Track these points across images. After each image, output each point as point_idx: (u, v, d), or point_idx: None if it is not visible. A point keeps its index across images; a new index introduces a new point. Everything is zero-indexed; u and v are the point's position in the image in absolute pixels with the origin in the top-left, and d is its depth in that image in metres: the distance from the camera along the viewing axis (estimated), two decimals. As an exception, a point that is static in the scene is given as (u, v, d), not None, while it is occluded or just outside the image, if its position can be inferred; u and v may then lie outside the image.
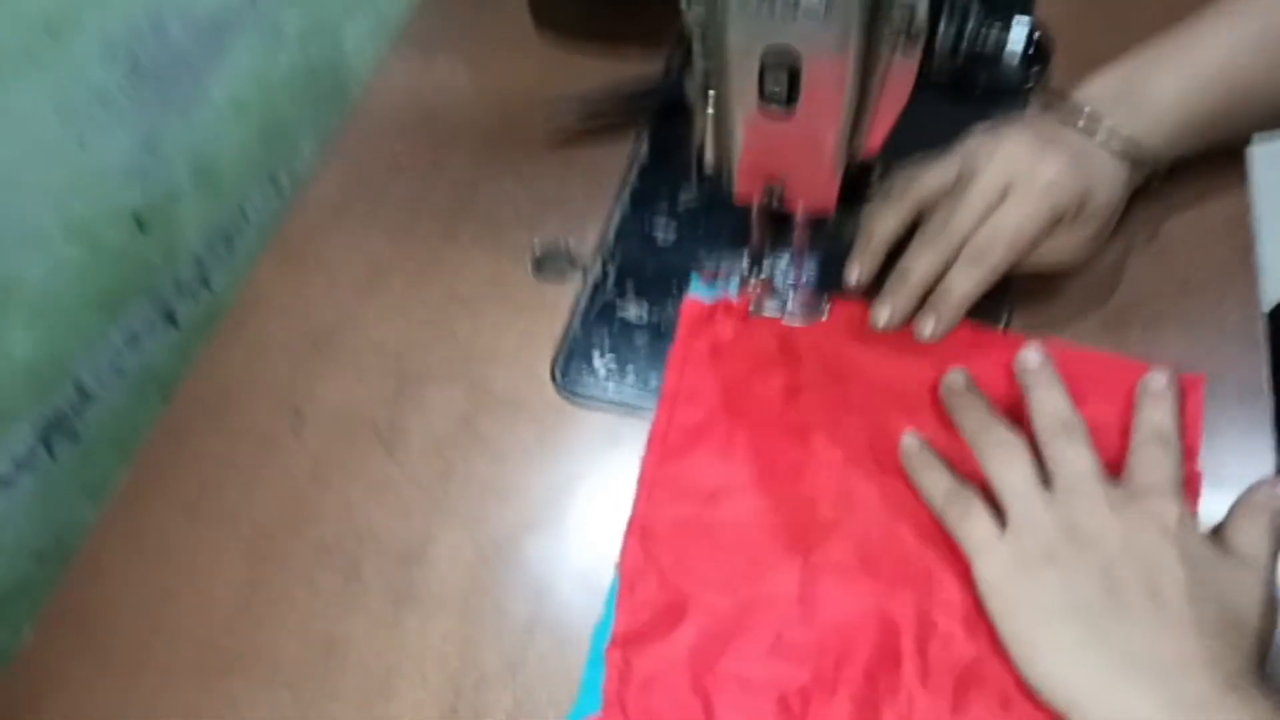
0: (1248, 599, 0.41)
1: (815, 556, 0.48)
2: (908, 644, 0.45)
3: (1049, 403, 0.48)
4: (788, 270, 0.57)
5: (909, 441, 0.50)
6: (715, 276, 0.58)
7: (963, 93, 0.59)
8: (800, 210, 0.51)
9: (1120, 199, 0.52)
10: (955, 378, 0.51)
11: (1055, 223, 0.49)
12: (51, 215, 0.57)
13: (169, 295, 0.67)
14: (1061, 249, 0.51)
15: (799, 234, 0.53)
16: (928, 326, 0.51)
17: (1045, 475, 0.45)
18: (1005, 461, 0.46)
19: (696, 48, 0.41)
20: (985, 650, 0.44)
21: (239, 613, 0.50)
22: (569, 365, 0.57)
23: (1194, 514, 0.44)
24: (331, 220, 0.65)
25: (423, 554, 0.51)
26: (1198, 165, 0.55)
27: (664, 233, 0.62)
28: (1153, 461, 0.45)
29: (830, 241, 0.58)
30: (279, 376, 0.58)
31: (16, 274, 0.55)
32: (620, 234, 0.62)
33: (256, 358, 0.59)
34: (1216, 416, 0.51)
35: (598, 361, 0.56)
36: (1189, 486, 0.47)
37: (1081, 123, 0.50)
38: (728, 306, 0.56)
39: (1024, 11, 0.41)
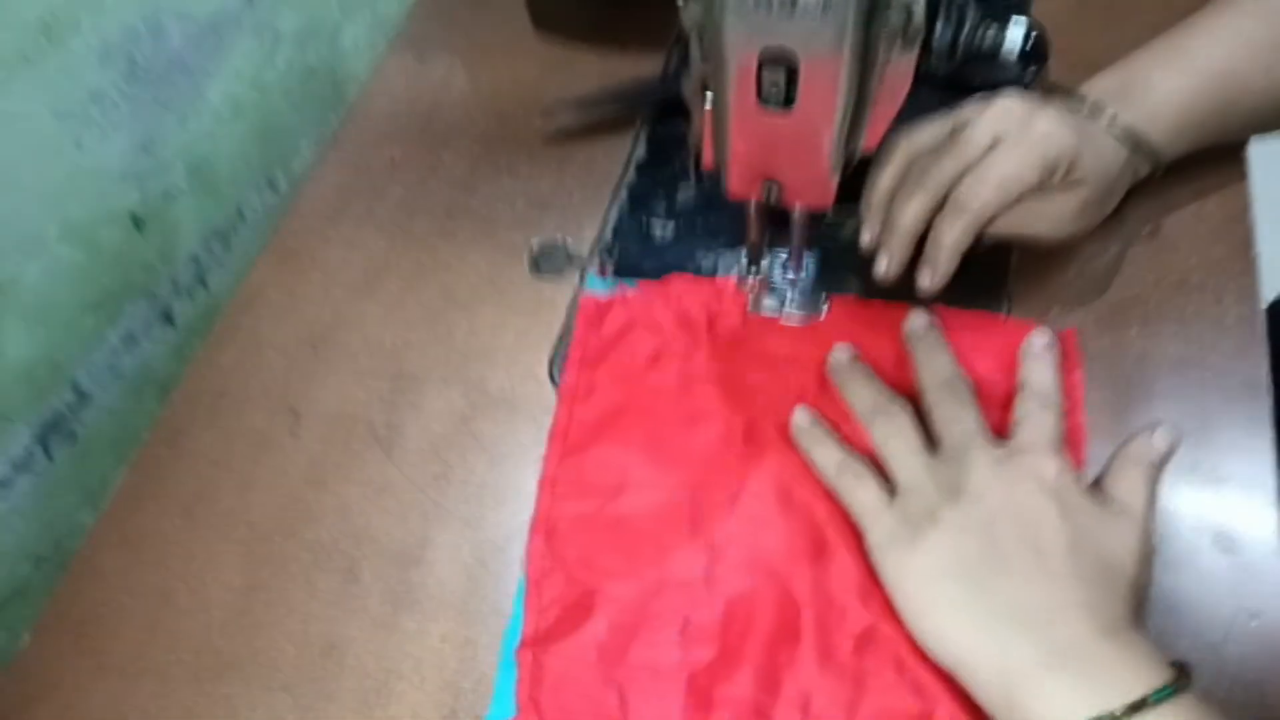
0: (1124, 548, 0.42)
1: (717, 537, 0.48)
2: (807, 616, 0.46)
3: (934, 365, 0.49)
4: (785, 268, 0.57)
5: (799, 418, 0.51)
6: (606, 272, 0.59)
7: (960, 92, 0.59)
8: (798, 209, 0.51)
9: (1116, 176, 0.51)
10: (839, 355, 0.52)
11: (1045, 177, 0.48)
12: (48, 216, 0.57)
13: (166, 296, 0.67)
14: (1053, 215, 0.50)
15: (797, 232, 0.53)
16: (924, 279, 0.50)
17: (933, 439, 0.47)
18: (891, 430, 0.47)
19: (694, 48, 0.41)
20: (879, 616, 0.45)
21: (236, 615, 0.50)
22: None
23: (1080, 466, 0.47)
24: (328, 221, 0.65)
25: (420, 555, 0.51)
26: (1196, 163, 0.55)
27: (661, 231, 0.62)
28: (1033, 420, 0.46)
29: (828, 240, 0.58)
30: (276, 377, 0.58)
31: (13, 275, 0.55)
32: (618, 233, 0.62)
33: (253, 358, 0.59)
34: (1216, 413, 0.51)
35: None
36: (1072, 439, 0.49)
37: (1084, 111, 0.50)
38: (623, 301, 0.57)
39: (1021, 11, 0.40)
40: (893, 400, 0.49)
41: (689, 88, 0.44)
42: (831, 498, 0.48)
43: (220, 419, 0.57)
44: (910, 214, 0.49)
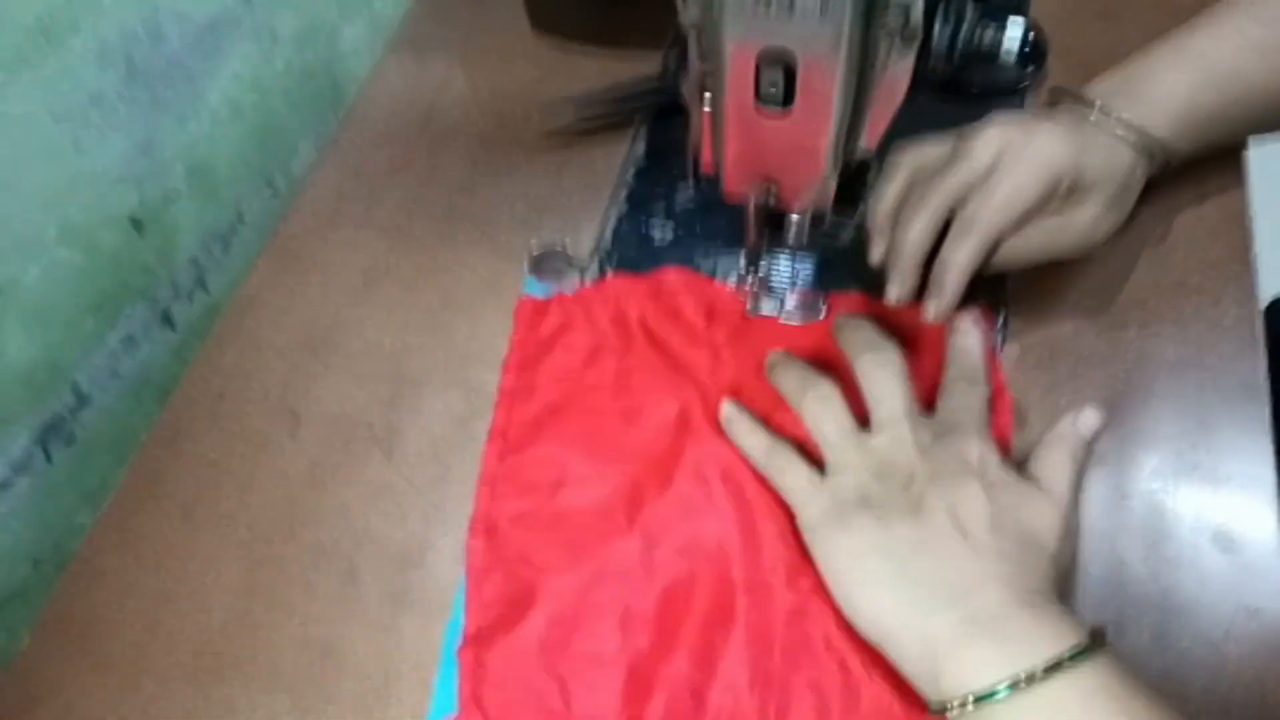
0: (1045, 526, 0.44)
1: (653, 526, 0.50)
2: (740, 598, 0.47)
3: (860, 339, 0.50)
4: (784, 269, 0.57)
5: (726, 409, 0.52)
6: (542, 273, 0.60)
7: (959, 93, 0.59)
8: (796, 210, 0.51)
9: (1126, 177, 0.51)
10: (774, 356, 0.54)
11: (1049, 191, 0.48)
12: (47, 218, 0.57)
13: (165, 298, 0.67)
14: (1073, 228, 0.51)
15: (795, 234, 0.53)
16: (931, 309, 0.50)
17: (865, 420, 0.48)
18: (820, 411, 0.48)
19: (692, 48, 0.41)
20: (808, 595, 0.46)
21: (236, 616, 0.50)
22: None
23: (1008, 440, 0.49)
24: (328, 222, 0.65)
25: (420, 557, 0.51)
26: (1194, 165, 0.55)
27: (661, 233, 0.62)
28: (959, 398, 0.48)
29: (827, 241, 0.58)
30: (275, 379, 0.58)
31: (12, 277, 0.55)
32: (617, 234, 0.62)
33: (253, 360, 0.59)
34: (1215, 414, 0.51)
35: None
36: (999, 410, 0.51)
37: (1093, 117, 0.50)
38: (560, 302, 0.58)
39: (1019, 12, 0.41)
40: (821, 380, 0.50)
41: (687, 88, 0.44)
42: (762, 481, 0.50)
43: (220, 421, 0.57)
44: (915, 234, 0.50)
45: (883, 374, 0.48)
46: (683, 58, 0.41)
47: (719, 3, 0.37)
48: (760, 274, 0.57)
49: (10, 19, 0.52)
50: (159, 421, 0.57)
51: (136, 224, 0.63)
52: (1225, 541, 0.47)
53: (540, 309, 0.58)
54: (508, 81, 0.72)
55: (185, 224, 0.68)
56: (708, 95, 0.43)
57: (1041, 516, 0.44)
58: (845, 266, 0.58)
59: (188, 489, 0.54)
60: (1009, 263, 0.50)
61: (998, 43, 0.40)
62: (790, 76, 0.39)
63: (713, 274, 0.59)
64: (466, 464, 0.54)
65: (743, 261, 0.57)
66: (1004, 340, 0.55)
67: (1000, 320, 0.55)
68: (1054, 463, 0.47)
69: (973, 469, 0.44)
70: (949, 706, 0.39)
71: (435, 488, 0.53)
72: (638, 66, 0.70)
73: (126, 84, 0.60)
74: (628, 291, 0.58)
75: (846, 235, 0.59)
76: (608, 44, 0.73)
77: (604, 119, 0.67)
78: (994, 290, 0.56)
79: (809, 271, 0.58)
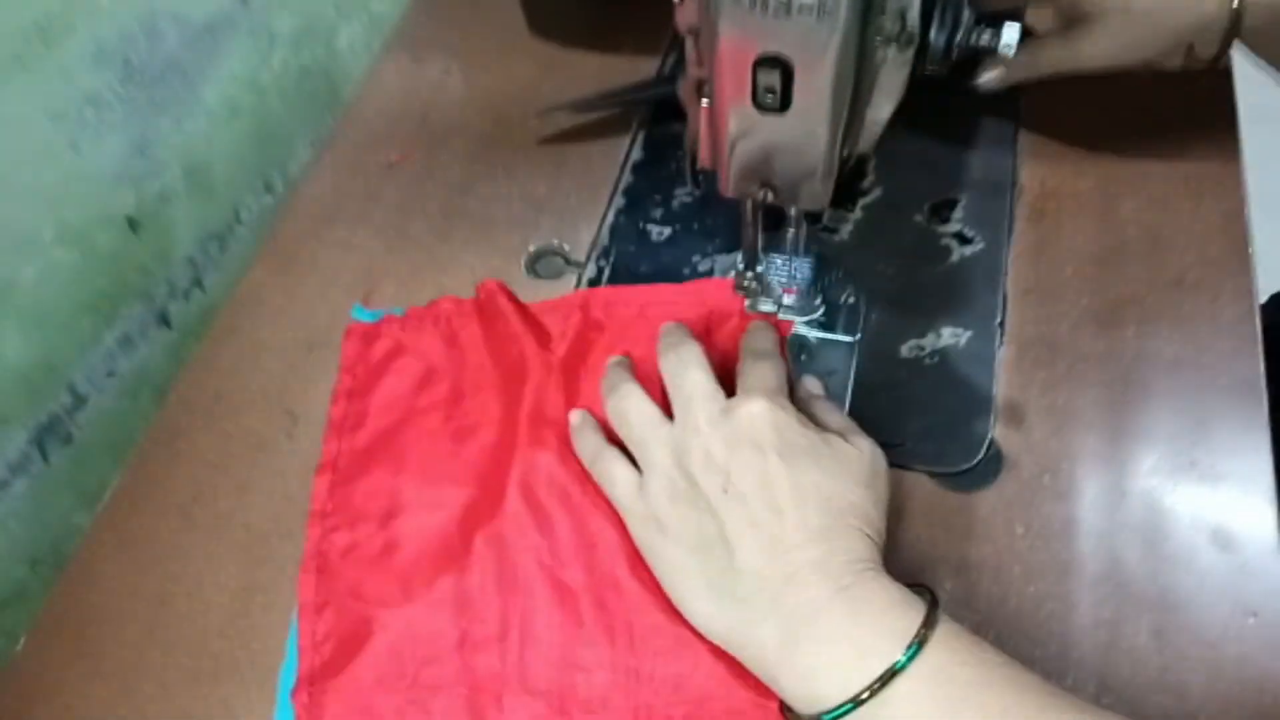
0: (849, 473, 0.42)
1: (488, 544, 0.48)
2: (586, 606, 0.46)
3: (666, 344, 0.49)
4: (782, 269, 0.57)
5: (574, 418, 0.51)
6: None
7: (956, 94, 0.59)
8: (793, 210, 0.51)
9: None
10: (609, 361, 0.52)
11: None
12: (44, 219, 0.57)
13: (162, 298, 0.67)
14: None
15: (792, 233, 0.53)
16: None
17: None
18: (623, 408, 0.47)
19: (689, 50, 0.41)
20: (649, 587, 0.45)
21: (234, 617, 0.50)
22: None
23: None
24: (325, 222, 0.65)
25: (418, 557, 0.51)
26: (1192, 162, 0.55)
27: (657, 233, 0.62)
28: (749, 372, 0.47)
29: (825, 238, 0.58)
30: (273, 379, 0.58)
31: (9, 278, 0.55)
32: (614, 233, 0.62)
33: (250, 360, 0.59)
34: (1213, 412, 0.51)
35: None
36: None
37: None
38: (389, 326, 0.57)
39: (1014, 18, 0.41)
40: (625, 382, 0.48)
41: (684, 90, 0.44)
42: (589, 484, 0.49)
43: (217, 421, 0.57)
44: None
45: (679, 364, 0.47)
46: (680, 58, 0.41)
47: (715, 5, 0.37)
48: (758, 273, 0.57)
49: (7, 20, 0.52)
50: (156, 422, 0.57)
51: (133, 224, 0.63)
52: (1223, 540, 0.47)
53: (369, 335, 0.57)
54: (505, 81, 0.72)
55: (182, 224, 0.68)
56: (705, 97, 0.43)
57: (843, 463, 0.43)
58: (843, 266, 0.58)
59: (185, 489, 0.54)
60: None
61: (995, 44, 0.40)
62: (787, 79, 0.39)
63: (710, 274, 0.59)
64: (464, 464, 0.54)
65: (740, 260, 0.57)
66: (1002, 339, 0.55)
67: (999, 318, 0.55)
68: (821, 411, 0.47)
69: (766, 441, 0.42)
70: None
71: (433, 488, 0.53)
72: (635, 67, 0.70)
73: (123, 84, 0.60)
74: (458, 312, 0.57)
75: (846, 233, 0.59)
76: (604, 44, 0.73)
77: (601, 118, 0.67)
78: (991, 291, 0.56)
79: (806, 270, 0.58)
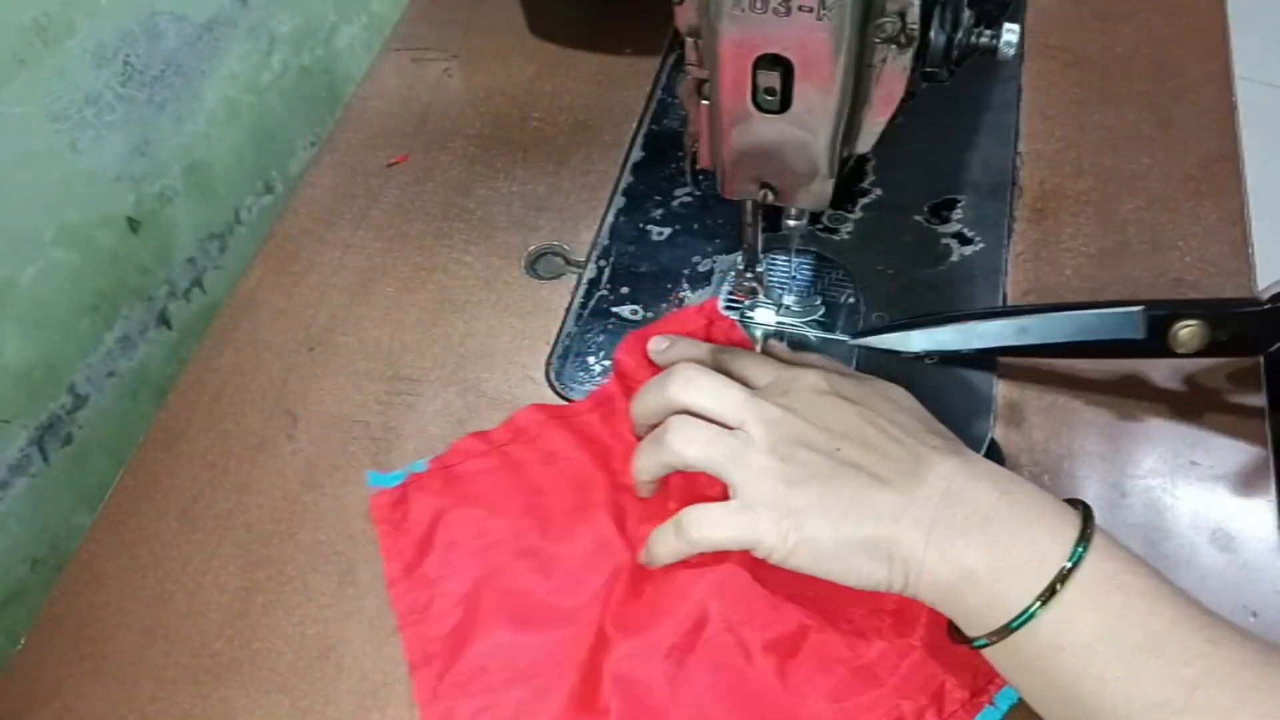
0: (906, 397, 0.46)
1: (621, 670, 0.45)
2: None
3: (696, 351, 0.51)
4: (781, 269, 0.57)
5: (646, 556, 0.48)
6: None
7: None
8: (794, 210, 0.51)
9: None
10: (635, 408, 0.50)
11: None
12: (44, 219, 0.57)
13: (162, 298, 0.67)
14: None
15: (792, 233, 0.53)
16: None
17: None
18: (694, 438, 0.45)
19: (689, 50, 0.41)
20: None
21: (234, 617, 0.50)
22: (563, 366, 0.57)
23: None
24: (325, 222, 0.65)
25: (418, 557, 0.51)
26: (1193, 162, 0.55)
27: (657, 233, 0.62)
28: (757, 366, 0.48)
29: (824, 240, 0.58)
30: (273, 379, 0.58)
31: (9, 278, 0.55)
32: (614, 233, 0.62)
33: (250, 361, 0.59)
34: (1212, 412, 0.51)
35: (592, 361, 0.56)
36: None
37: None
38: (417, 488, 0.52)
39: (1013, 20, 0.41)
40: (673, 416, 0.46)
41: (684, 89, 0.44)
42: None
43: (217, 421, 0.57)
44: None
45: (739, 358, 0.49)
46: (680, 58, 0.41)
47: (716, 6, 0.37)
48: (758, 273, 0.57)
49: (6, 20, 0.52)
50: (156, 422, 0.57)
51: (133, 224, 0.63)
52: (1223, 540, 0.47)
53: (398, 503, 0.52)
54: (504, 81, 0.72)
55: (182, 224, 0.68)
56: (705, 97, 0.43)
57: (896, 389, 0.46)
58: (841, 267, 0.58)
59: (185, 489, 0.54)
60: None
61: (994, 44, 0.40)
62: (787, 79, 0.39)
63: (709, 274, 0.59)
64: (464, 464, 0.54)
65: (740, 261, 0.57)
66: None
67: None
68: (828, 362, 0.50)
69: (839, 391, 0.45)
70: (986, 639, 0.38)
71: (433, 488, 0.53)
72: (634, 67, 0.70)
73: (123, 84, 0.60)
74: (487, 447, 0.53)
75: (845, 231, 0.59)
76: (604, 45, 0.73)
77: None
78: (992, 289, 0.56)
79: (806, 271, 0.58)
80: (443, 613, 0.48)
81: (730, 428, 0.45)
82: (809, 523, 0.42)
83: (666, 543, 0.46)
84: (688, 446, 0.45)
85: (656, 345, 0.53)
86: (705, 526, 0.44)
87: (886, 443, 0.43)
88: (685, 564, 0.46)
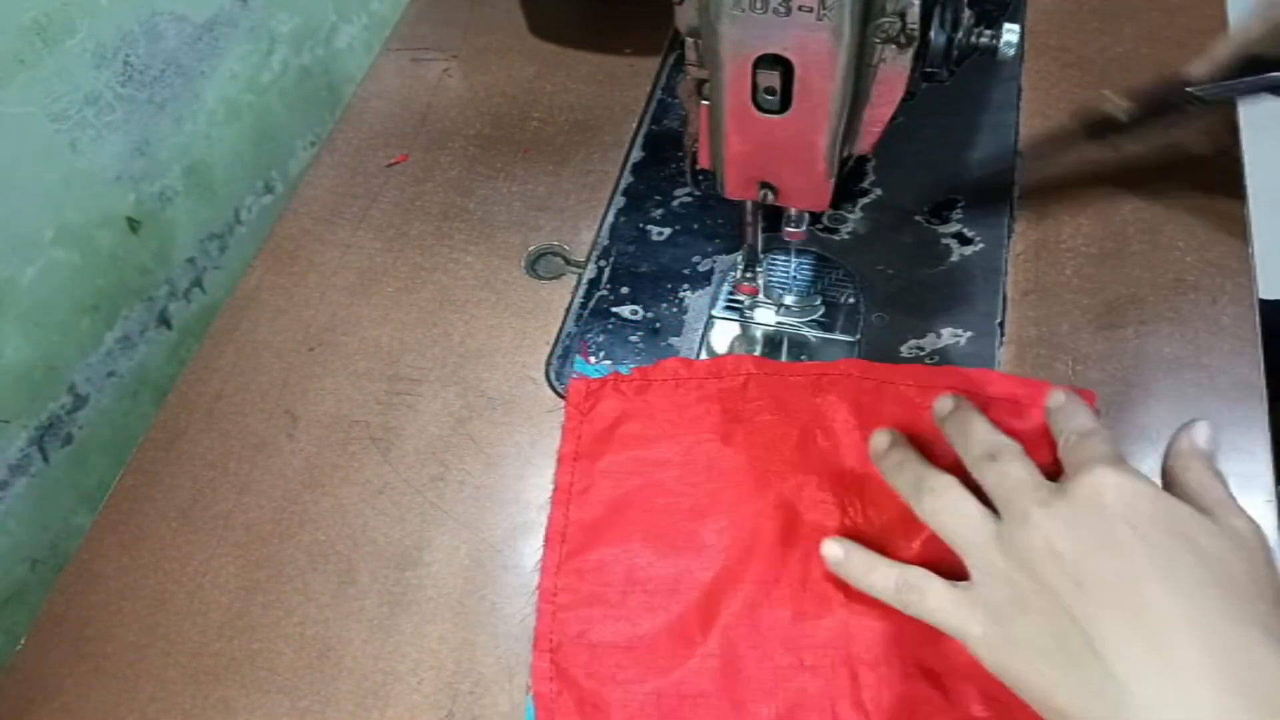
0: (1229, 550, 0.38)
1: (732, 636, 0.46)
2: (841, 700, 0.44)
3: (971, 433, 0.45)
4: (782, 269, 0.57)
5: (834, 551, 0.46)
6: (590, 355, 0.57)
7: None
8: (794, 210, 0.51)
9: None
10: (879, 439, 0.47)
11: None
12: (44, 219, 0.57)
13: (162, 298, 0.67)
14: None
15: (792, 233, 0.53)
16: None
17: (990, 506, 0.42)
18: (948, 510, 0.42)
19: (689, 51, 0.41)
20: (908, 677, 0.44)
21: (234, 617, 0.50)
22: (563, 365, 0.57)
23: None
24: (325, 222, 0.65)
25: (418, 557, 0.51)
26: (1193, 162, 0.55)
27: (657, 231, 0.62)
28: (1079, 448, 0.42)
29: (824, 240, 0.58)
30: (273, 379, 0.58)
31: (9, 278, 0.55)
32: (614, 233, 0.62)
33: (250, 361, 0.59)
34: (1212, 412, 0.51)
35: (593, 362, 0.56)
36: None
37: None
38: (616, 388, 0.54)
39: (1013, 20, 0.41)
40: (938, 474, 0.43)
41: (683, 89, 0.44)
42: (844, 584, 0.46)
43: (217, 421, 0.57)
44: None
45: (1002, 455, 0.42)
46: (681, 59, 0.41)
47: (716, 6, 0.37)
48: (757, 273, 0.57)
49: (6, 20, 0.52)
50: (156, 422, 0.57)
51: (133, 224, 0.63)
52: (1222, 541, 0.47)
53: (594, 394, 0.54)
54: (504, 81, 0.72)
55: (182, 224, 0.68)
56: (705, 98, 0.43)
57: (1224, 538, 0.38)
58: (842, 266, 0.58)
59: (185, 489, 0.54)
60: None
61: (995, 44, 0.40)
62: (787, 79, 0.39)
63: (709, 275, 0.59)
64: (464, 463, 0.54)
65: (741, 261, 0.57)
66: (1002, 339, 0.55)
67: (999, 318, 0.55)
68: (1198, 476, 0.42)
69: (1115, 514, 0.38)
70: None
71: (432, 487, 0.53)
72: (634, 68, 0.70)
73: (123, 84, 0.60)
74: (689, 374, 0.54)
75: (845, 231, 0.59)
76: (604, 45, 0.73)
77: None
78: (992, 290, 0.56)
79: (806, 271, 0.58)
80: (592, 504, 0.51)
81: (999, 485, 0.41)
82: (1019, 657, 0.39)
83: (870, 575, 0.44)
84: (937, 516, 0.42)
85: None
86: (928, 598, 0.42)
87: (1134, 583, 0.36)
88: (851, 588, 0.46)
